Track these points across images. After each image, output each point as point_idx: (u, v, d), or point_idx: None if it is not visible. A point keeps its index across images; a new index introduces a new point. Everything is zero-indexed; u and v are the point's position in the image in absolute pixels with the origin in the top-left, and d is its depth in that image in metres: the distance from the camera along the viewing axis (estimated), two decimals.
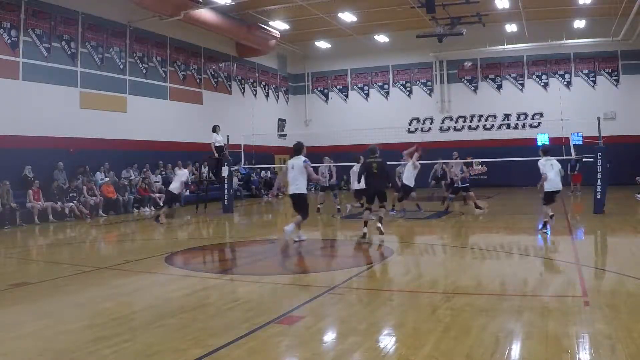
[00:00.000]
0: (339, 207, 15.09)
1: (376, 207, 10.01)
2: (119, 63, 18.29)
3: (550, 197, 10.21)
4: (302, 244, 9.27)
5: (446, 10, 19.40)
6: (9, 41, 14.68)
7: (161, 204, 14.00)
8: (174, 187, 13.97)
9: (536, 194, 15.03)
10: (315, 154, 15.97)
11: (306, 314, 4.96)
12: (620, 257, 7.92)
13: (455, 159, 14.71)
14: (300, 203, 9.29)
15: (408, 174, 13.01)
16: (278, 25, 22.92)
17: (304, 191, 9.26)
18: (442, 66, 26.56)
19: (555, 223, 11.67)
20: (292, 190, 9.29)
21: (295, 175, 9.14)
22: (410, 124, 26.38)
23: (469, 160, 16.16)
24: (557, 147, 15.40)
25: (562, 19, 22.37)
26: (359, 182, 12.02)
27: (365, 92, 28.08)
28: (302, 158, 9.24)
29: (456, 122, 26.13)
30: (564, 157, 14.48)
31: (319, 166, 17.14)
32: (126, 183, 17.09)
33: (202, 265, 8.38)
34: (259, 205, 20.10)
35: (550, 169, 10.14)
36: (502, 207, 15.23)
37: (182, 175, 14.24)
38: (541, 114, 23.81)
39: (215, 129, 17.11)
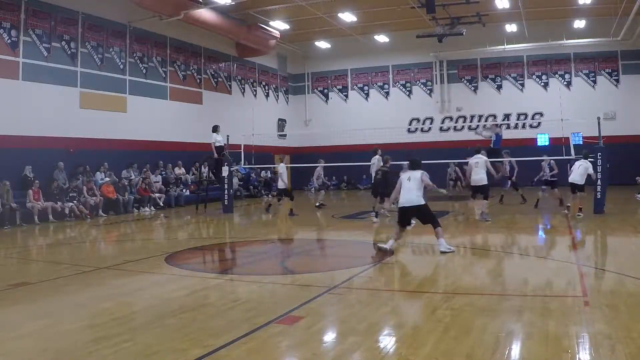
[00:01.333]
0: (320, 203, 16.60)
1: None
2: (119, 63, 18.29)
3: None
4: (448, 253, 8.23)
5: (446, 10, 19.39)
6: (9, 41, 14.67)
7: (276, 199, 15.34)
8: (280, 184, 15.09)
9: (536, 192, 15.15)
10: (315, 154, 16.00)
11: (306, 314, 4.96)
12: (620, 257, 7.92)
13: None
14: (425, 214, 8.67)
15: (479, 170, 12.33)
16: (278, 25, 22.91)
17: (423, 201, 8.58)
18: (442, 66, 26.55)
19: (555, 223, 11.66)
20: (410, 201, 8.50)
21: (410, 187, 8.59)
22: (410, 124, 26.36)
23: (468, 160, 16.17)
24: (557, 147, 15.42)
25: (562, 19, 22.36)
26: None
27: (365, 92, 28.07)
28: (420, 171, 8.77)
29: (456, 122, 26.12)
30: (564, 157, 14.49)
31: (316, 166, 17.26)
32: (126, 183, 17.09)
33: (202, 265, 8.39)
34: (259, 205, 20.07)
35: None
36: (502, 207, 15.22)
37: (280, 168, 15.05)
38: (541, 114, 23.79)
39: (215, 129, 17.13)
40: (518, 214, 13.64)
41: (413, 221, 9.33)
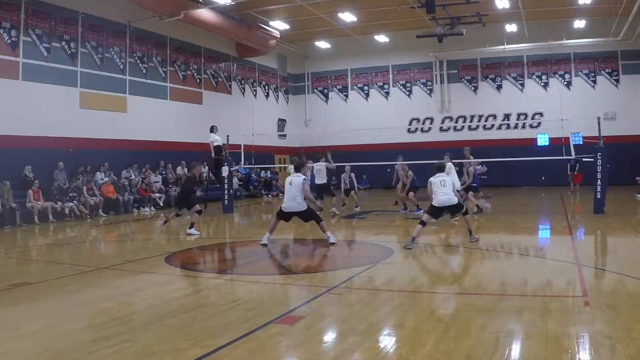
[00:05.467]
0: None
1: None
2: (119, 63, 18.29)
3: None
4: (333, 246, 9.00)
5: (446, 10, 19.39)
6: (9, 41, 14.67)
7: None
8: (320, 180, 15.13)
9: (537, 193, 15.16)
10: (315, 154, 15.98)
11: (306, 314, 4.96)
12: (620, 257, 7.93)
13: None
14: (308, 216, 9.26)
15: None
16: (278, 25, 22.92)
17: (305, 206, 9.20)
18: (442, 66, 26.56)
19: (555, 223, 11.65)
20: (292, 207, 9.13)
21: (294, 193, 9.06)
22: (410, 124, 26.38)
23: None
24: (557, 147, 15.41)
25: (562, 19, 22.37)
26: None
27: (365, 92, 28.08)
28: (301, 176, 9.26)
29: (456, 122, 26.12)
30: (564, 157, 14.49)
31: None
32: (126, 183, 17.09)
33: (202, 265, 8.38)
34: (259, 205, 20.09)
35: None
36: (502, 207, 15.22)
37: (317, 166, 15.09)
38: (541, 114, 23.80)
39: (212, 129, 17.14)
40: (517, 214, 13.63)
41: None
